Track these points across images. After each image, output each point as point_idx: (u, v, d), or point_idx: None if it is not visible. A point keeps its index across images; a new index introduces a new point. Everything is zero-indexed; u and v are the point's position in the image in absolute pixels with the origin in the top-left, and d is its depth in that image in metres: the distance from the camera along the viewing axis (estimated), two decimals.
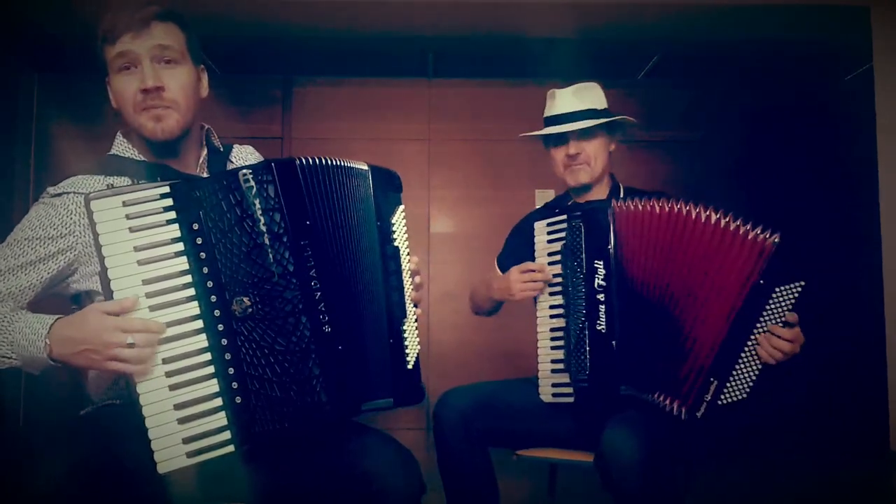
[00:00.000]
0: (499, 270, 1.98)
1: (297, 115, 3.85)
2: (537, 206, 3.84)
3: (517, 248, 1.87)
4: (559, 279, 1.64)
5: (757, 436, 3.26)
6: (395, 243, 1.30)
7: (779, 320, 1.41)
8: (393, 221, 1.31)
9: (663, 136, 3.80)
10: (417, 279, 1.37)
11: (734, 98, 3.88)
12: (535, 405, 1.67)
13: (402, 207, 1.34)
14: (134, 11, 1.24)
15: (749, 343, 1.43)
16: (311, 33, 3.57)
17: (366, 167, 1.26)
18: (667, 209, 1.49)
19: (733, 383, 1.44)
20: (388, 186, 1.31)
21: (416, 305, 1.36)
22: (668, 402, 1.48)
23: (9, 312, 1.18)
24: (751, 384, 1.43)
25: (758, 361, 1.43)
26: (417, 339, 1.33)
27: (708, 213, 1.45)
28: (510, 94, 3.89)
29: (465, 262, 3.79)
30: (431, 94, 3.89)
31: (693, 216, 1.46)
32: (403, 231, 1.33)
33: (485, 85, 3.88)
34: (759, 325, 1.42)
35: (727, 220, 1.44)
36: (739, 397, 1.43)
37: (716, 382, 1.43)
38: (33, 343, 1.12)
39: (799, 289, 1.41)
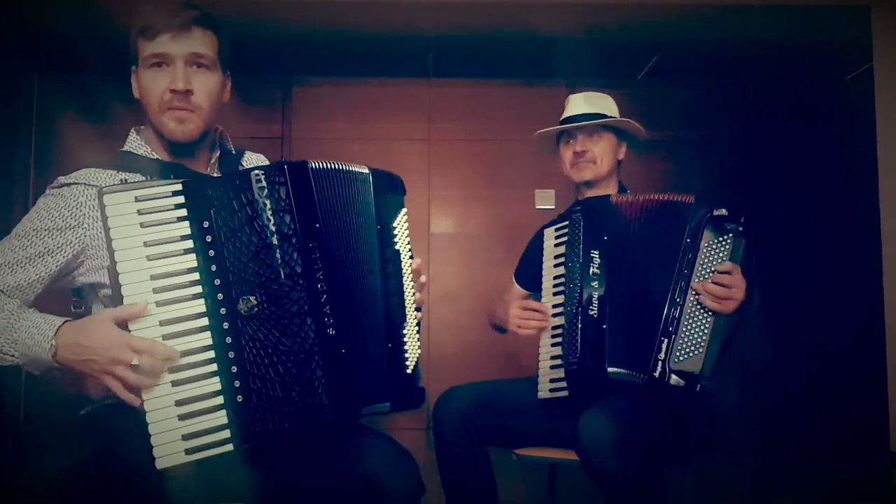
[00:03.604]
0: (516, 285, 2.03)
1: (297, 115, 3.85)
2: (537, 206, 3.88)
3: (531, 259, 1.92)
4: (561, 279, 1.68)
5: (757, 436, 3.26)
6: (396, 247, 1.30)
7: (708, 274, 1.52)
8: (394, 225, 1.30)
9: (663, 136, 3.80)
10: (423, 279, 1.37)
11: (734, 98, 3.88)
12: (534, 404, 1.68)
13: (404, 210, 1.33)
14: (175, 12, 1.24)
15: (691, 299, 1.53)
16: (311, 33, 3.58)
17: (367, 170, 1.26)
18: (648, 197, 1.62)
19: (684, 340, 1.51)
20: (390, 189, 1.31)
21: (418, 309, 1.34)
22: (645, 376, 1.53)
23: (16, 309, 1.17)
24: (703, 341, 1.50)
25: (707, 318, 1.51)
26: (419, 344, 1.32)
27: (667, 194, 1.61)
28: (510, 94, 3.89)
29: (465, 262, 3.79)
30: (431, 94, 3.89)
31: (657, 198, 1.62)
32: (405, 234, 1.32)
33: (485, 85, 3.88)
34: (694, 279, 1.53)
35: (669, 195, 1.60)
36: (695, 353, 1.50)
37: (665, 340, 1.52)
38: (39, 344, 1.11)
39: (728, 240, 1.51)
